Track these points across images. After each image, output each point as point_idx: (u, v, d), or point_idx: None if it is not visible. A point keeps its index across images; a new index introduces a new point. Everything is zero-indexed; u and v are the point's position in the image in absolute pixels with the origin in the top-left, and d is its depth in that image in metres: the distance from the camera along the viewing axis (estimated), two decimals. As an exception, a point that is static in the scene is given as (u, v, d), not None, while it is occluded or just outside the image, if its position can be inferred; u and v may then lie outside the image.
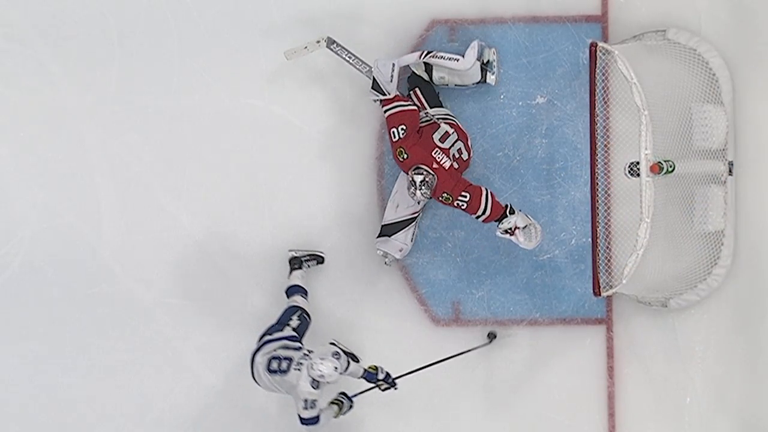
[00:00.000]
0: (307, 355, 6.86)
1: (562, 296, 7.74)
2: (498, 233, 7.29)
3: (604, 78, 7.16)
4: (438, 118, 7.40)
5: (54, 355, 7.75)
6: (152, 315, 7.77)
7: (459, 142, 7.35)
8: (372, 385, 7.19)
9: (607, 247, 7.42)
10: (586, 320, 7.75)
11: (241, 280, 7.76)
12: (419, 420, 7.76)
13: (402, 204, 7.51)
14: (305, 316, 7.24)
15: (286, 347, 6.97)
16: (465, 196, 7.20)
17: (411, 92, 7.49)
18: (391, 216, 7.52)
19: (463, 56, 7.42)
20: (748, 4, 7.56)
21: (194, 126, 7.73)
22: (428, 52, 7.41)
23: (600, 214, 7.22)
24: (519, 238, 7.26)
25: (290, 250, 7.68)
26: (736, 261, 7.57)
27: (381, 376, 7.12)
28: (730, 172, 7.49)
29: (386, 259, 7.63)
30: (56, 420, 7.77)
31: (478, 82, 7.55)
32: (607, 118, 7.39)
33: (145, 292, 7.76)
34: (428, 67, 7.49)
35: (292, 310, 7.26)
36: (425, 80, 7.52)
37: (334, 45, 7.30)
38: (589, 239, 7.37)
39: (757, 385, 7.63)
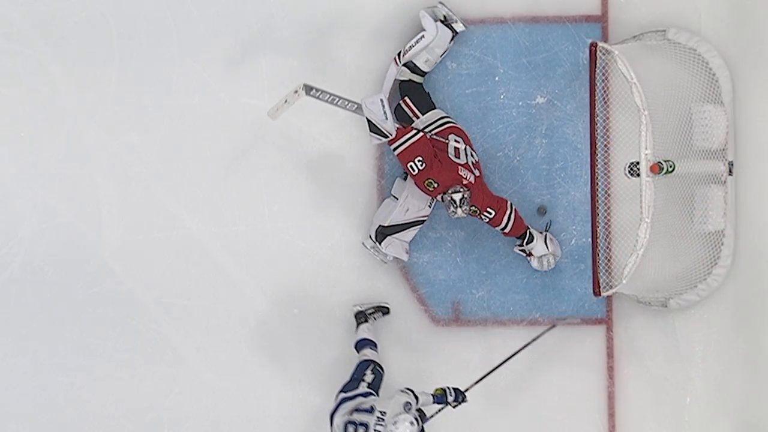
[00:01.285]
0: (382, 419, 6.79)
1: (562, 296, 7.74)
2: (515, 249, 7.56)
3: (604, 78, 7.16)
4: (435, 127, 7.37)
5: (54, 355, 7.75)
6: (152, 315, 7.77)
7: (467, 147, 7.36)
8: (441, 406, 7.08)
9: (607, 247, 7.42)
10: (586, 320, 7.75)
11: (242, 281, 7.76)
12: (419, 420, 7.77)
13: (412, 208, 7.49)
14: (378, 369, 7.22)
15: (360, 408, 6.89)
16: (490, 213, 7.32)
17: (401, 102, 7.46)
18: (398, 218, 7.50)
19: (424, 33, 7.41)
20: (748, 4, 7.56)
21: (194, 126, 7.72)
22: (398, 54, 7.40)
23: (600, 214, 7.22)
24: (532, 262, 7.58)
25: (355, 305, 7.67)
26: (736, 261, 7.57)
27: (450, 397, 7.04)
28: (730, 172, 7.49)
29: (384, 258, 7.63)
30: (56, 420, 7.76)
31: (452, 39, 7.51)
32: (607, 118, 7.40)
33: (145, 292, 7.76)
34: (410, 65, 7.47)
35: (365, 364, 7.23)
36: (416, 82, 7.50)
37: (313, 91, 7.16)
38: (589, 239, 7.37)
39: (757, 385, 7.63)
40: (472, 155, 7.37)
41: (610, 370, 7.75)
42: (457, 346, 7.74)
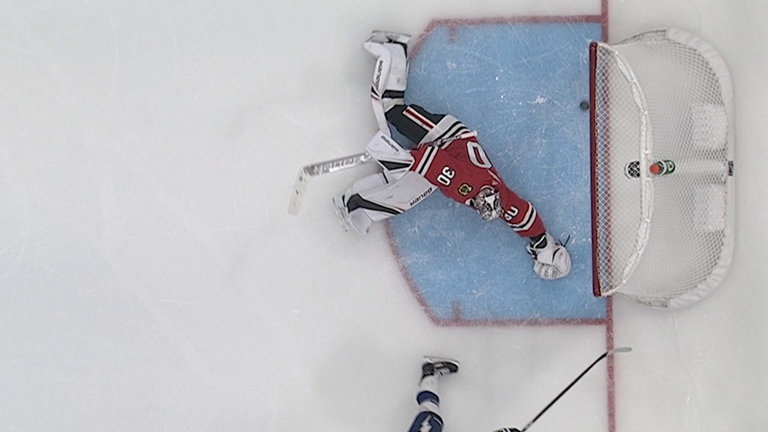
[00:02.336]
0: None
1: (562, 296, 7.74)
2: (526, 248, 7.61)
3: (604, 78, 7.16)
4: (449, 137, 7.38)
5: (54, 355, 7.74)
6: (152, 315, 7.77)
7: (483, 150, 7.40)
8: None
9: (607, 247, 7.42)
10: (586, 320, 7.75)
11: (242, 281, 7.76)
12: (419, 420, 7.77)
13: (396, 198, 7.47)
14: (436, 420, 7.17)
15: None
16: (513, 210, 7.37)
17: (406, 114, 7.44)
18: (378, 199, 7.46)
19: (380, 58, 7.39)
20: (748, 4, 7.56)
21: (194, 126, 7.73)
22: (372, 90, 7.38)
23: (600, 214, 7.22)
24: (534, 266, 7.64)
25: (425, 357, 7.66)
26: (736, 261, 7.57)
27: None
28: (730, 172, 7.49)
29: (345, 225, 7.58)
30: (56, 420, 7.76)
31: (406, 53, 7.49)
32: (607, 118, 7.39)
33: (145, 292, 7.76)
34: (387, 94, 7.47)
35: (423, 416, 7.19)
36: (400, 104, 7.49)
37: (315, 168, 7.21)
38: (589, 239, 7.37)
39: (757, 385, 7.63)
40: (489, 158, 7.41)
41: (610, 370, 7.75)
42: (457, 346, 7.74)
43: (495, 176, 7.35)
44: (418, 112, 7.45)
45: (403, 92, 7.51)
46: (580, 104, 7.62)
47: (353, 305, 7.75)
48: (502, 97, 7.69)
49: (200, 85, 7.71)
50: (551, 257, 7.55)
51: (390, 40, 7.50)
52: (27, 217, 7.72)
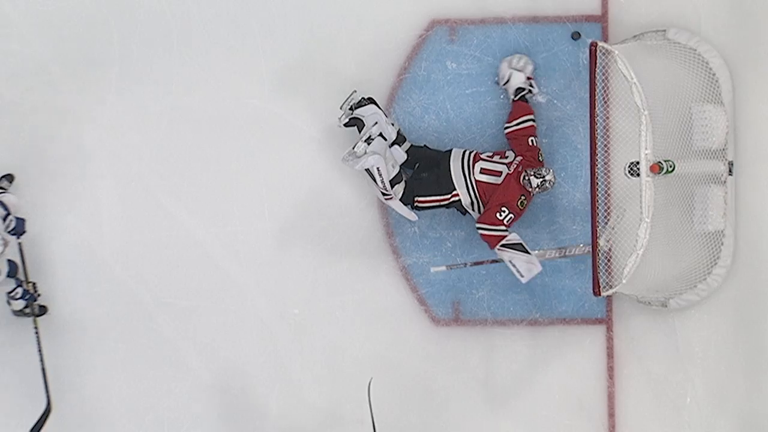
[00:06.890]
0: None
1: (562, 296, 7.74)
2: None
3: (604, 78, 7.16)
4: (473, 186, 7.40)
5: (54, 355, 7.74)
6: (152, 315, 7.77)
7: (488, 160, 7.45)
8: None
9: (607, 247, 7.42)
10: (586, 320, 7.75)
11: (242, 281, 7.77)
12: (420, 420, 7.77)
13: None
14: None
15: None
16: (533, 143, 7.44)
17: (419, 205, 7.42)
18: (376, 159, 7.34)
19: (374, 166, 7.28)
20: (748, 4, 7.57)
21: (194, 126, 7.73)
22: (383, 193, 7.34)
23: (600, 214, 7.22)
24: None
25: None
26: (736, 261, 7.58)
27: None
28: (730, 172, 7.49)
29: (342, 118, 7.42)
30: (57, 420, 7.76)
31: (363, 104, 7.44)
32: (607, 118, 7.40)
33: (145, 292, 7.76)
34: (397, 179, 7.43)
35: None
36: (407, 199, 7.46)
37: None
38: (589, 239, 7.37)
39: (757, 385, 7.63)
40: (490, 157, 7.40)
41: (610, 370, 7.75)
42: (457, 346, 7.74)
43: (515, 165, 7.37)
44: (426, 196, 7.45)
45: (400, 171, 7.42)
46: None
47: (353, 305, 7.76)
48: (502, 97, 7.69)
49: (200, 85, 7.71)
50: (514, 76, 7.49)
51: (351, 108, 7.40)
52: (28, 217, 7.71)
